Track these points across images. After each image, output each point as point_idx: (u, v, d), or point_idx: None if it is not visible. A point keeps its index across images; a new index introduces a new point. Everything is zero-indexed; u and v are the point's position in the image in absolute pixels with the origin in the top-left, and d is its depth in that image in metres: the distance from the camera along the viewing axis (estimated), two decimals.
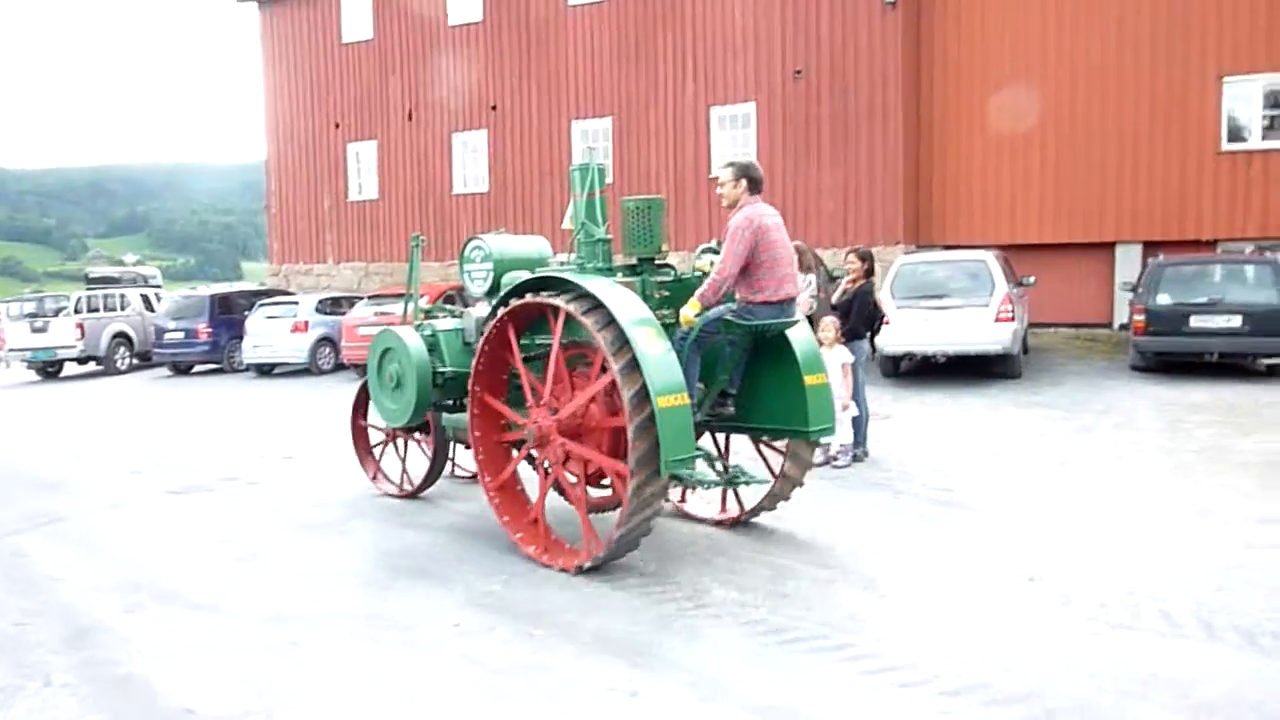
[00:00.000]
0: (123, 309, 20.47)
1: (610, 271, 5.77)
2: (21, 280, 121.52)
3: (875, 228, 18.11)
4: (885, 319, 8.45)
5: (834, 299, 8.60)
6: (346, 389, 12.66)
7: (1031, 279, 14.10)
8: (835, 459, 7.98)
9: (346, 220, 23.28)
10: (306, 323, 17.40)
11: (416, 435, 7.36)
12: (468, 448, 6.26)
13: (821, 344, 8.22)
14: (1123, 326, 17.42)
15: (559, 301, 5.19)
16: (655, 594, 4.99)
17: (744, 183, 5.49)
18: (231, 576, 5.56)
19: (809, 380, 5.57)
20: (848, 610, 4.67)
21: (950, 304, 12.30)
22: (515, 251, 6.46)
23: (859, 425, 8.19)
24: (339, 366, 17.25)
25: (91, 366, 20.18)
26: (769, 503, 6.09)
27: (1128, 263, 17.75)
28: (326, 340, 17.43)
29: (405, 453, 7.55)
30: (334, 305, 18.08)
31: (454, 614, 4.81)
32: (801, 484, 6.03)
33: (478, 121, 21.66)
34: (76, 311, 20.07)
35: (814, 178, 18.60)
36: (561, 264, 6.02)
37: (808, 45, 18.53)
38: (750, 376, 5.84)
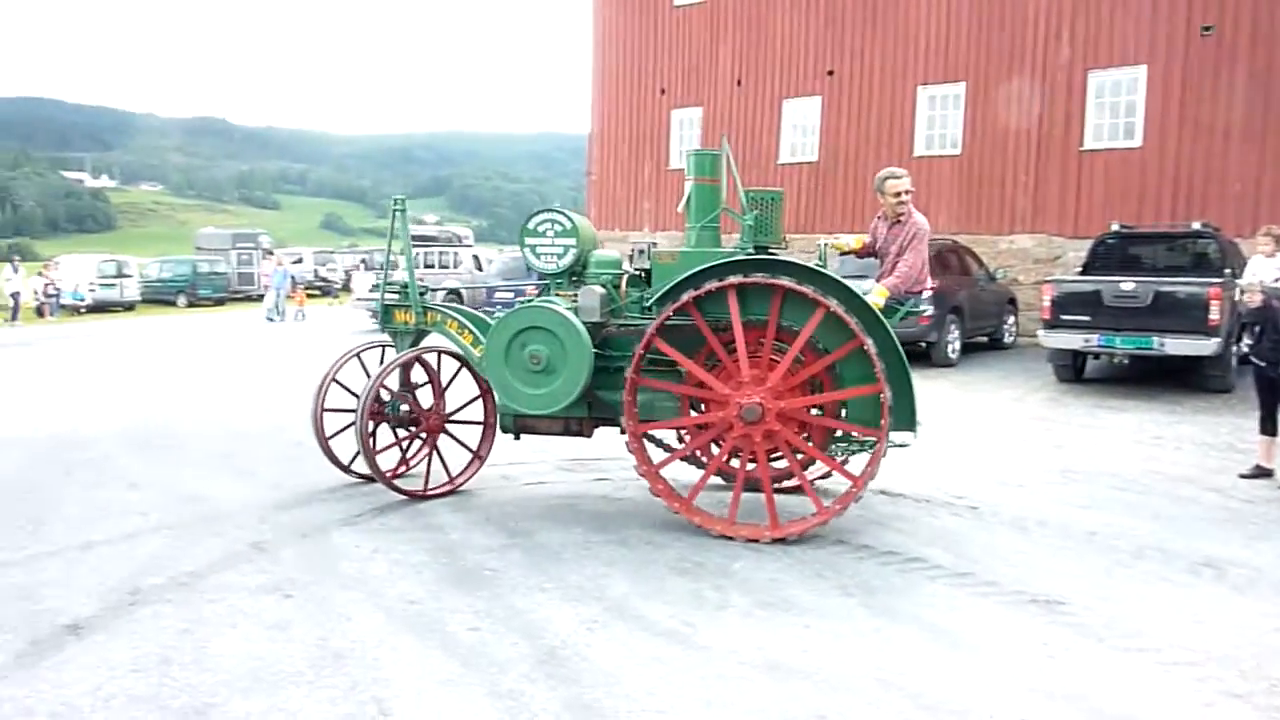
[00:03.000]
0: (455, 267, 21.20)
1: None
2: (340, 234, 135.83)
3: None
4: None
5: None
6: None
7: None
8: None
9: (665, 188, 22.85)
10: None
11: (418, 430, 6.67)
12: (516, 436, 6.31)
13: None
14: None
15: (810, 288, 5.31)
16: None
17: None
18: (684, 594, 4.71)
19: None
20: None
21: None
22: (590, 230, 6.27)
23: None
24: None
25: None
26: None
27: None
28: None
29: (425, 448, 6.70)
30: None
31: (1022, 705, 3.64)
32: None
33: (811, 87, 20.38)
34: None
35: (1219, 152, 15.74)
36: (642, 250, 6.07)
37: None
38: None
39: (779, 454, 5.95)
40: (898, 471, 7.22)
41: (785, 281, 5.35)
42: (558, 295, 6.07)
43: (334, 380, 6.76)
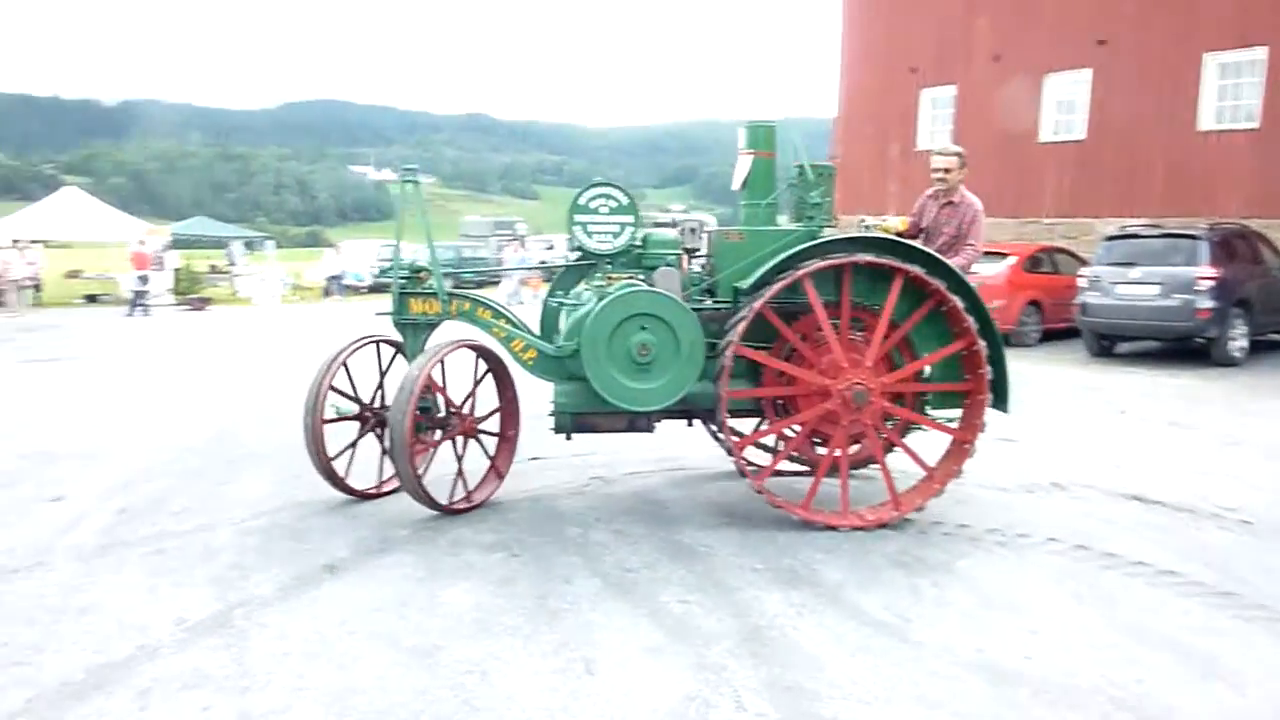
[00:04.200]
0: None
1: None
2: None
3: None
4: None
5: None
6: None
7: None
8: None
9: (912, 171, 21.94)
10: None
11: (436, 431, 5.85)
12: (568, 437, 5.66)
13: None
14: None
15: (938, 281, 5.18)
16: None
17: (965, 170, 5.95)
18: (901, 587, 4.52)
19: None
20: None
21: None
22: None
23: None
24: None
25: None
26: None
27: None
28: None
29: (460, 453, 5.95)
30: None
31: None
32: None
33: (1079, 59, 18.81)
34: None
35: None
36: (693, 229, 5.85)
37: None
38: None
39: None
40: (1153, 476, 6.57)
41: (915, 269, 5.16)
42: (609, 278, 5.47)
43: (331, 387, 5.84)
